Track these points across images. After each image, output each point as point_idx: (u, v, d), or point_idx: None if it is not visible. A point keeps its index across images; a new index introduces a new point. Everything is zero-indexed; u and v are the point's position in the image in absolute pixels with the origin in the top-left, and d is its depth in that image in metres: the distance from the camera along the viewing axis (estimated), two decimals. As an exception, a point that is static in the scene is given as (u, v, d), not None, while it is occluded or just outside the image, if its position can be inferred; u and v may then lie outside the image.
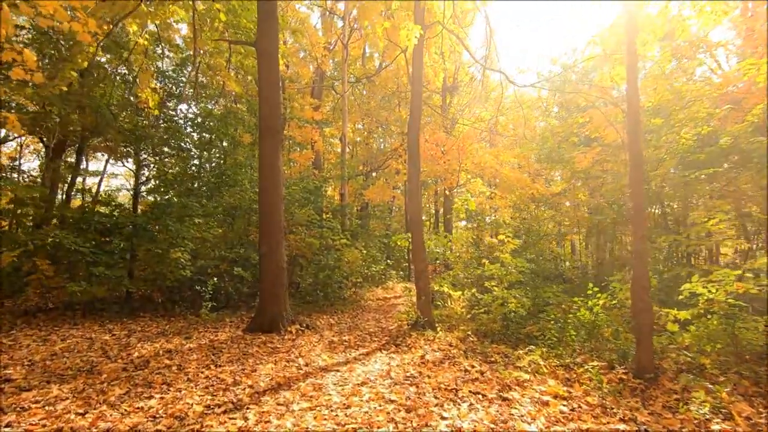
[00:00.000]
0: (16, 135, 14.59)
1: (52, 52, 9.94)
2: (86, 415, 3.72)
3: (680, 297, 5.89)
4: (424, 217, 33.54)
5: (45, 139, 11.43)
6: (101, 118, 10.00)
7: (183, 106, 13.04)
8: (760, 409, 4.06)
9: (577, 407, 4.16)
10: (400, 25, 7.20)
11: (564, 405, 4.18)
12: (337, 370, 5.32)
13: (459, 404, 4.15)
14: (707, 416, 3.91)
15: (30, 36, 9.86)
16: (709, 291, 5.55)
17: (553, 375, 5.12)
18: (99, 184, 15.39)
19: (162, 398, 4.18)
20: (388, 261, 18.88)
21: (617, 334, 5.92)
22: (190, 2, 8.03)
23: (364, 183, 21.99)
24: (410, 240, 9.17)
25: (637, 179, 5.16)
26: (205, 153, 13.49)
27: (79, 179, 24.88)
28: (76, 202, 14.66)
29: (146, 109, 9.00)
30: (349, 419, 3.75)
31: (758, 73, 8.19)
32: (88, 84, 10.00)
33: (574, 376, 5.08)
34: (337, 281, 11.67)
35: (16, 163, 17.28)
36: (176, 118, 11.41)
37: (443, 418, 3.79)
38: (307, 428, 3.55)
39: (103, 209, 10.89)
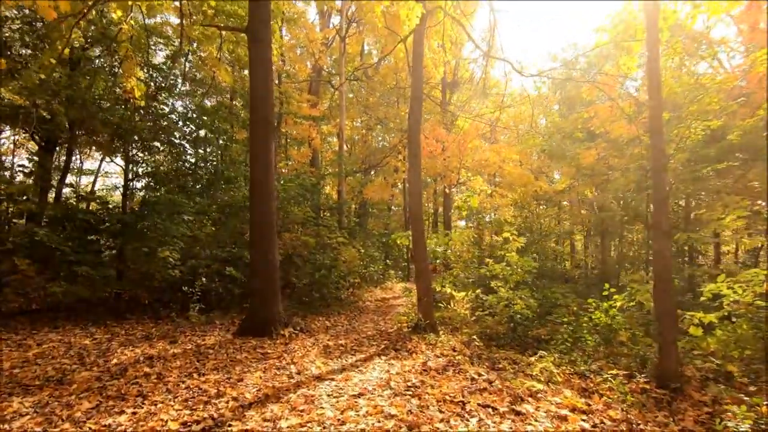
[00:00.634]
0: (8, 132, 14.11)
1: (36, 42, 9.49)
2: (44, 436, 3.27)
3: (702, 299, 5.45)
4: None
5: (36, 136, 10.95)
6: (86, 111, 9.54)
7: (178, 104, 12.63)
8: (804, 425, 3.64)
9: (600, 423, 3.72)
10: (399, 7, 6.76)
11: (584, 420, 3.74)
12: (332, 379, 4.87)
13: (467, 420, 3.70)
14: (747, 434, 3.48)
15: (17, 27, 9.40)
16: (735, 292, 5.12)
17: (569, 384, 4.68)
18: (93, 183, 14.93)
19: (134, 413, 3.73)
20: (387, 261, 18.44)
21: (634, 339, 5.49)
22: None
23: (362, 180, 21.54)
24: (410, 238, 8.74)
25: (659, 171, 4.73)
26: (198, 149, 13.00)
27: (75, 179, 24.36)
28: (81, 204, 14.17)
29: (132, 100, 8.52)
30: (343, 439, 3.31)
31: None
32: (74, 76, 9.53)
33: (592, 385, 4.65)
34: (333, 281, 11.21)
35: (10, 159, 16.77)
36: (165, 111, 10.89)
37: (450, 437, 3.35)
38: (296, 450, 3.10)
39: (85, 206, 10.40)
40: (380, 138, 27.12)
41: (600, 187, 13.28)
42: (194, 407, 3.91)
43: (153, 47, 11.63)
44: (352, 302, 12.01)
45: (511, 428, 3.55)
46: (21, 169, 13.52)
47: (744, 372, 4.71)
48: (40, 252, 8.55)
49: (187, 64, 13.42)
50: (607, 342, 5.60)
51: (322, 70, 21.05)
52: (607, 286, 5.70)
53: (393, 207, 28.82)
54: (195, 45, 9.73)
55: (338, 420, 3.65)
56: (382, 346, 6.65)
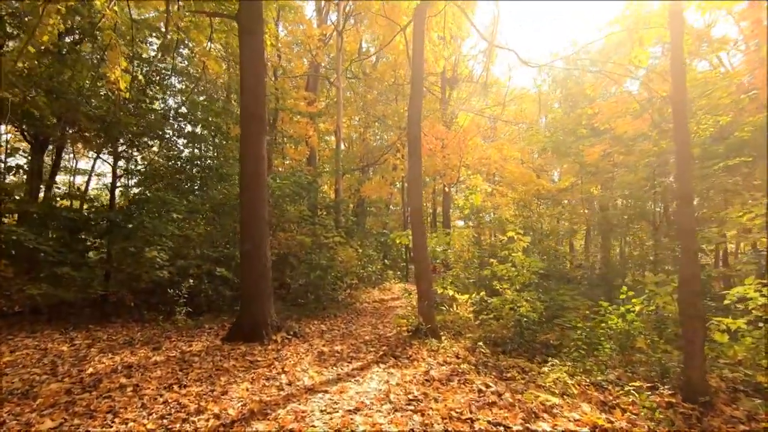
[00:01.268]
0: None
1: (16, 32, 9.02)
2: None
3: (726, 302, 5.05)
4: (421, 216, 32.69)
5: (28, 135, 10.49)
6: (69, 104, 9.08)
7: (170, 101, 12.17)
8: None
9: (626, 444, 3.31)
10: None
11: (608, 441, 3.33)
12: (326, 391, 4.44)
13: (477, 441, 3.29)
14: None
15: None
16: (763, 295, 4.72)
17: (586, 397, 4.27)
18: (87, 183, 14.45)
19: (101, 435, 3.30)
20: (385, 261, 18.00)
21: (652, 346, 5.08)
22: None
23: (360, 179, 21.11)
24: (410, 237, 8.32)
25: (685, 164, 4.32)
26: (190, 145, 12.55)
27: (69, 178, 23.82)
28: (64, 202, 13.75)
29: (117, 92, 8.07)
30: (337, 466, 2.88)
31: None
32: (54, 65, 9.07)
33: (611, 398, 4.23)
34: (330, 282, 10.78)
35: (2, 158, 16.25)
36: (152, 106, 10.43)
37: (459, 464, 2.93)
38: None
39: (71, 204, 9.96)
40: (378, 137, 26.71)
41: (605, 185, 12.87)
42: (170, 426, 3.48)
43: (144, 41, 11.18)
44: (349, 304, 11.57)
45: (527, 451, 3.14)
46: (13, 167, 13.05)
47: (776, 383, 4.31)
48: (22, 252, 8.12)
49: (179, 58, 13.03)
50: (623, 349, 5.19)
51: (319, 67, 20.62)
52: (624, 289, 5.29)
53: (391, 206, 28.40)
54: (185, 35, 9.25)
55: (331, 442, 3.23)
56: (381, 353, 6.22)
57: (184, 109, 11.47)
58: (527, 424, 3.58)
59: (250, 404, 3.98)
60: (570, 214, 14.01)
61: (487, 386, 4.52)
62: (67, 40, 9.96)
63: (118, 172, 11.20)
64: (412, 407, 3.96)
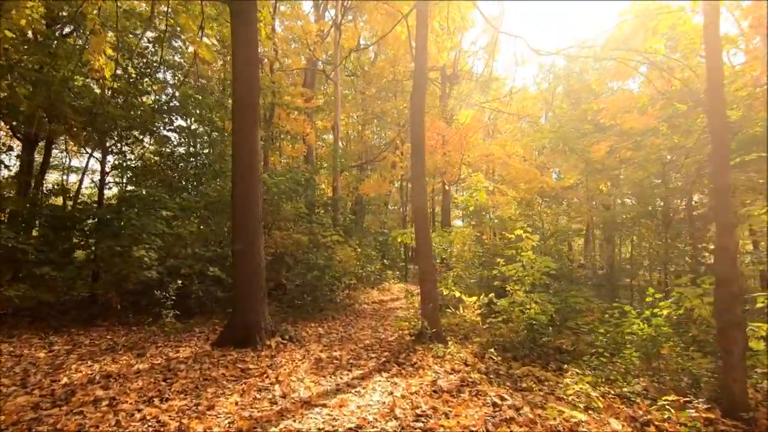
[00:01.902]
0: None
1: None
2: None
3: (759, 305, 4.64)
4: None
5: (20, 134, 10.02)
6: (56, 95, 8.60)
7: (163, 96, 11.68)
8: None
9: (668, 471, 2.89)
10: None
11: (648, 466, 2.90)
12: (324, 405, 4.00)
13: (498, 467, 2.86)
14: None
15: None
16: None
17: (612, 412, 3.84)
18: (80, 181, 13.96)
19: (63, 461, 2.86)
20: (384, 260, 17.55)
21: (680, 353, 4.66)
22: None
23: (358, 176, 20.66)
24: (413, 236, 7.90)
25: (721, 156, 3.91)
26: (184, 141, 12.07)
27: (63, 177, 23.23)
28: (57, 200, 13.28)
29: (102, 81, 7.61)
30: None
31: None
32: (40, 55, 8.60)
33: (641, 413, 3.81)
34: (328, 283, 10.32)
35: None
36: (141, 100, 9.95)
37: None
38: None
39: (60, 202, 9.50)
40: (376, 135, 26.30)
41: (612, 182, 12.47)
42: (145, 450, 3.04)
43: (134, 33, 10.71)
44: (348, 305, 11.13)
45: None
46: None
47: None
48: (2, 252, 7.65)
49: (173, 53, 12.54)
50: (648, 356, 4.77)
51: (317, 63, 20.17)
52: (651, 291, 4.88)
53: (390, 206, 27.97)
54: (174, 20, 8.76)
55: (331, 469, 2.80)
56: (383, 359, 5.78)
57: (176, 103, 10.99)
58: (553, 446, 3.15)
59: (239, 421, 3.54)
60: (575, 212, 13.57)
61: (503, 399, 4.09)
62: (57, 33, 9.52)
63: (108, 168, 10.78)
64: (420, 424, 3.53)
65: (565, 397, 4.12)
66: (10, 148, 10.42)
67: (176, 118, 10.81)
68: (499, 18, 9.76)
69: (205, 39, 7.98)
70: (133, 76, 10.42)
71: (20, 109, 8.35)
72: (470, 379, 4.71)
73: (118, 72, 10.34)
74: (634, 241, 12.01)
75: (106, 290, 8.74)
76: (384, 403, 4.07)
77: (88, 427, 3.38)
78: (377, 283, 15.19)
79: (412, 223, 28.75)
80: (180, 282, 7.61)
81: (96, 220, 9.20)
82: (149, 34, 10.86)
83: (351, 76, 22.65)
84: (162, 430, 3.37)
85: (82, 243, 9.34)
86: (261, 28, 9.03)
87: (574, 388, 4.14)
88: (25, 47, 8.64)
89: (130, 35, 10.08)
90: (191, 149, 12.11)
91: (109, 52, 7.29)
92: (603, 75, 16.61)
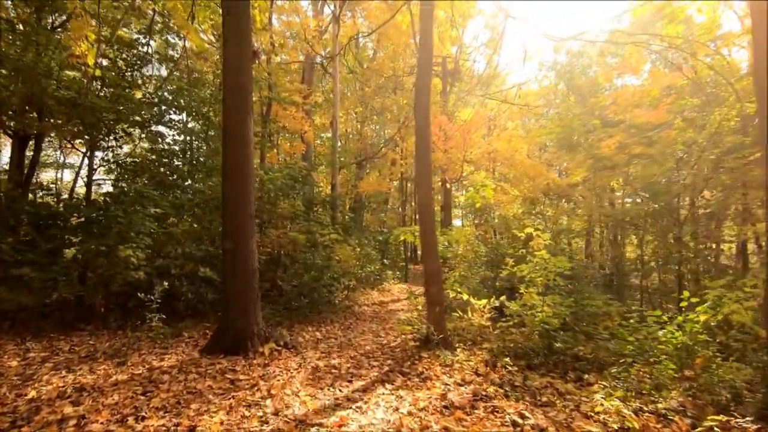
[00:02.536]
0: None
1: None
2: None
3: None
4: (417, 216, 31.72)
5: (8, 129, 9.52)
6: (37, 85, 8.10)
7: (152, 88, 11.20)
8: None
9: None
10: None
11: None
12: (321, 424, 3.53)
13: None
14: None
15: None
16: None
17: (650, 432, 3.38)
18: (75, 180, 13.48)
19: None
20: (384, 260, 17.07)
21: (720, 364, 4.20)
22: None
23: (357, 173, 20.20)
24: (415, 233, 7.42)
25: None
26: (175, 135, 11.58)
27: (58, 175, 22.65)
28: (50, 199, 12.80)
29: (85, 68, 7.12)
30: None
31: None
32: (11, 40, 8.10)
33: (683, 435, 3.35)
34: (326, 284, 9.85)
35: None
36: (131, 91, 9.46)
37: None
38: None
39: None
40: (376, 134, 25.85)
41: (622, 179, 12.01)
42: (109, 485, 2.56)
43: (122, 22, 10.23)
44: (347, 307, 10.65)
45: None
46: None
47: None
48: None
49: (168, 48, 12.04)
50: (682, 366, 4.30)
51: (315, 58, 19.71)
52: (687, 294, 4.41)
53: (389, 205, 27.49)
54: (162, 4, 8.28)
55: None
56: (386, 368, 5.31)
57: (167, 95, 10.51)
58: (590, 479, 2.68)
59: (223, 447, 3.07)
60: (584, 211, 13.10)
61: (523, 417, 3.63)
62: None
63: (96, 164, 10.32)
64: (432, 449, 3.06)
65: (593, 414, 3.66)
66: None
67: (168, 112, 10.32)
68: (508, 5, 9.29)
69: (196, 25, 7.49)
70: (123, 67, 9.96)
71: (9, 104, 7.88)
72: (484, 393, 4.24)
73: (106, 64, 9.92)
74: (643, 239, 11.53)
75: (91, 292, 8.27)
76: (389, 421, 3.60)
77: (45, 455, 2.90)
78: (377, 283, 14.72)
79: (412, 222, 28.33)
80: (167, 284, 7.12)
81: (82, 218, 8.73)
82: (139, 25, 10.40)
83: (350, 74, 22.22)
84: (132, 457, 2.90)
85: (66, 242, 8.86)
86: (257, 15, 8.58)
87: (603, 404, 3.68)
88: (10, 37, 8.17)
89: (116, 24, 9.60)
90: (185, 145, 11.65)
91: (92, 36, 6.80)
92: (609, 70, 16.19)
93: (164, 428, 3.36)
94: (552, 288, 6.51)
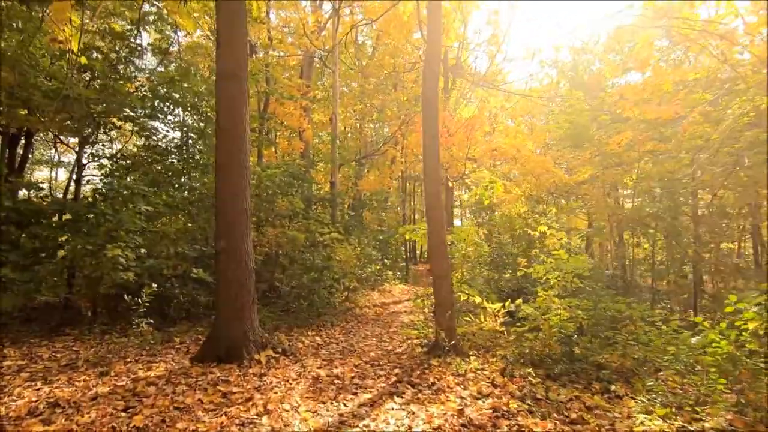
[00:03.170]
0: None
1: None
2: None
3: None
4: (416, 216, 31.22)
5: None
6: (20, 75, 7.63)
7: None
8: None
9: None
10: None
11: None
12: (325, 448, 3.10)
13: None
14: None
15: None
16: None
17: (702, 458, 2.96)
18: (69, 179, 13.03)
19: None
20: (384, 260, 16.63)
21: (761, 374, 3.78)
22: None
23: (357, 172, 19.77)
24: (421, 233, 6.99)
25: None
26: (168, 131, 11.12)
27: (53, 173, 22.05)
28: (39, 198, 12.36)
29: (69, 55, 6.66)
30: None
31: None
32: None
33: (741, 461, 2.93)
34: (326, 285, 9.40)
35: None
36: (122, 83, 8.98)
37: None
38: None
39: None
40: (375, 132, 25.44)
41: (631, 175, 11.59)
42: None
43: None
44: (348, 309, 10.22)
45: None
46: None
47: None
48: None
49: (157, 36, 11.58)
50: (728, 379, 3.87)
51: (314, 54, 19.28)
52: (733, 298, 3.99)
53: (389, 204, 27.07)
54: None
55: None
56: (393, 378, 4.87)
57: (160, 89, 10.04)
58: None
59: (211, 479, 2.63)
60: (595, 209, 12.68)
61: (554, 438, 3.20)
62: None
63: (85, 159, 9.86)
64: (455, 481, 2.63)
65: (631, 434, 3.24)
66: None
67: (160, 105, 9.86)
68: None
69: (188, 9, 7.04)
70: (113, 59, 9.50)
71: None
72: (505, 408, 3.81)
73: (96, 56, 9.46)
74: (655, 239, 11.12)
75: (77, 294, 7.83)
76: (402, 444, 3.17)
77: (0, 491, 2.46)
78: (377, 284, 14.29)
79: (411, 221, 27.89)
80: (156, 285, 6.65)
81: (69, 216, 8.27)
82: (132, 16, 9.94)
83: (350, 70, 21.79)
84: (104, 493, 2.46)
85: (51, 241, 8.41)
86: (253, 2, 8.14)
87: (644, 424, 3.25)
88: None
89: (104, 12, 9.15)
90: (180, 141, 11.19)
91: (76, 21, 6.35)
92: (614, 66, 15.80)
93: (144, 454, 2.92)
94: (569, 290, 6.08)
